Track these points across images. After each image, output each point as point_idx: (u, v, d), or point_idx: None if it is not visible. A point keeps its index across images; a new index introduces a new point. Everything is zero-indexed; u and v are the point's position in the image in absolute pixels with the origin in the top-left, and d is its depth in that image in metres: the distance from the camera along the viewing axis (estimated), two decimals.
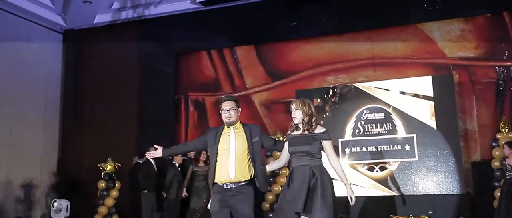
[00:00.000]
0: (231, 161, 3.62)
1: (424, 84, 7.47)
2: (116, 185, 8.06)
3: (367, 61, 8.37)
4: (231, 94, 3.97)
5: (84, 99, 9.62)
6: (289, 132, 3.78)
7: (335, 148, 7.69)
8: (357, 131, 7.68)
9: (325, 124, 7.80)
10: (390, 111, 7.54)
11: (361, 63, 8.40)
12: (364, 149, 7.58)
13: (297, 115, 3.66)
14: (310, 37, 8.76)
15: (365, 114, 7.66)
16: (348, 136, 7.72)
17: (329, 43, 8.68)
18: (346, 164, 7.62)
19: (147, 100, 9.27)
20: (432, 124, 7.30)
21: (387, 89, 7.63)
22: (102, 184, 7.99)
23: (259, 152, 3.76)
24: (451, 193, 7.06)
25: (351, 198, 3.61)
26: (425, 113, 7.37)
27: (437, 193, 7.13)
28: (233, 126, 3.75)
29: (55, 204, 6.72)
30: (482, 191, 6.90)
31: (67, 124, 9.62)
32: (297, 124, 3.69)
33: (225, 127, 3.77)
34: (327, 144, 3.64)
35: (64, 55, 9.81)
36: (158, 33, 9.31)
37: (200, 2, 8.77)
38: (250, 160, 3.68)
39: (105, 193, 8.00)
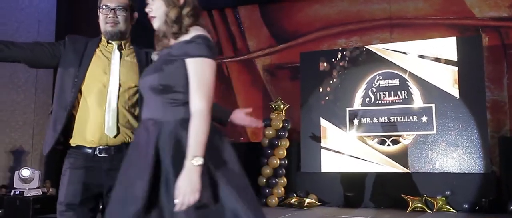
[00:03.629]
0: (112, 106, 1.97)
1: (447, 46, 6.48)
2: None
3: (383, 22, 7.46)
4: None
5: None
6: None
7: (342, 119, 6.87)
8: (367, 99, 6.79)
9: (332, 90, 6.97)
10: (406, 77, 6.61)
11: (376, 24, 7.50)
12: (375, 120, 6.70)
13: (155, 10, 1.73)
14: None
15: (377, 80, 6.75)
16: (357, 105, 6.84)
17: (342, 2, 7.76)
18: (354, 136, 6.78)
19: None
20: (455, 92, 6.35)
21: (403, 52, 6.68)
22: None
23: None
24: (473, 171, 6.15)
25: (178, 196, 1.49)
26: (447, 80, 6.41)
27: (457, 172, 6.23)
28: (119, 43, 2.08)
29: (24, 172, 6.04)
30: (510, 170, 5.95)
31: None
32: (159, 31, 1.76)
33: (103, 41, 2.09)
34: (191, 65, 1.61)
35: (58, 15, 9.19)
36: None
37: None
38: (138, 107, 2.02)
39: None
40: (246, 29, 8.35)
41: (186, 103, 1.61)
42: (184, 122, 1.57)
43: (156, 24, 1.74)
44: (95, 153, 1.96)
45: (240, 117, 2.13)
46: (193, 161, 1.50)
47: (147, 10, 1.76)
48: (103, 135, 1.96)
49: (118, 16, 2.05)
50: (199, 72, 1.59)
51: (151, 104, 1.67)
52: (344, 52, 7.05)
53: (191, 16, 1.70)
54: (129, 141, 1.99)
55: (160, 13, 1.72)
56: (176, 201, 1.48)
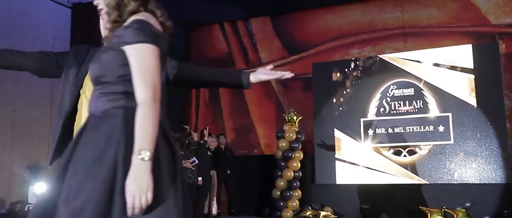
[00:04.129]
0: None
1: (463, 54, 6.36)
2: None
3: (396, 31, 7.37)
4: None
5: None
6: None
7: (356, 129, 6.76)
8: (382, 109, 6.68)
9: (346, 101, 6.88)
10: (421, 85, 6.49)
11: (389, 33, 7.41)
12: (390, 130, 6.58)
13: (102, 1, 1.61)
14: (333, 6, 7.81)
15: (391, 90, 6.65)
16: (371, 115, 6.74)
17: (354, 12, 7.70)
18: (369, 147, 6.66)
19: None
20: (472, 101, 6.20)
21: (418, 61, 6.57)
22: None
23: None
24: (494, 182, 5.98)
25: (128, 199, 1.29)
26: (464, 88, 6.28)
27: (476, 182, 6.06)
28: None
29: (37, 188, 6.04)
30: None
31: None
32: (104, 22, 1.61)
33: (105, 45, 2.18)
34: (130, 52, 1.40)
35: (72, 30, 9.32)
36: (168, 4, 8.61)
37: None
38: None
39: None
40: (258, 41, 8.34)
41: (121, 93, 1.40)
42: (115, 116, 1.37)
43: (104, 16, 1.56)
44: None
45: (267, 72, 2.04)
46: (140, 155, 1.29)
47: (95, 3, 1.65)
48: None
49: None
50: (139, 60, 1.39)
51: (92, 96, 1.47)
52: (357, 62, 6.97)
53: (136, 0, 1.49)
54: None
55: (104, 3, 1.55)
56: (128, 204, 1.28)
